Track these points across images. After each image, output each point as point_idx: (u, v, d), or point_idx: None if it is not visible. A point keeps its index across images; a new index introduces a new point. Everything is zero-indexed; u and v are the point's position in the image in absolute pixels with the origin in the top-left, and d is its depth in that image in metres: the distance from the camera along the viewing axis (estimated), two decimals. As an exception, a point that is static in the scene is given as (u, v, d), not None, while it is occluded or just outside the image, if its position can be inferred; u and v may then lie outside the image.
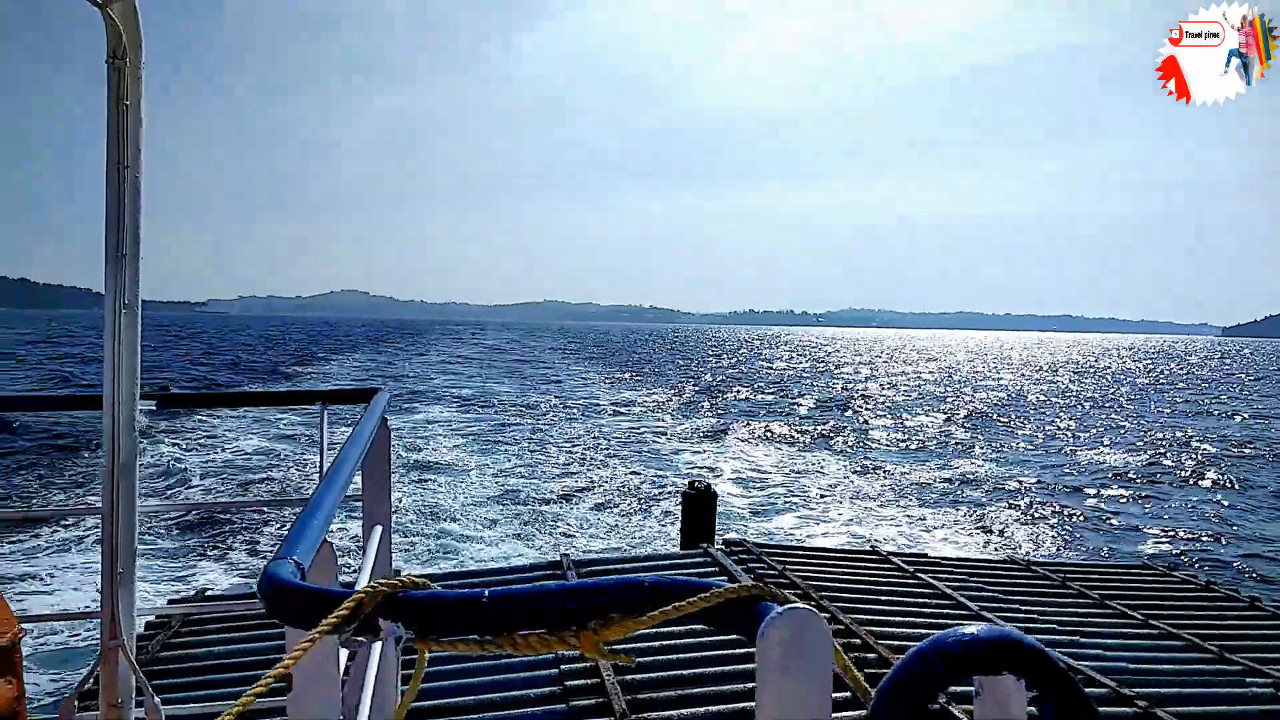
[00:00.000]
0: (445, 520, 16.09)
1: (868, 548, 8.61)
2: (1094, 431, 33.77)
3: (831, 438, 29.54)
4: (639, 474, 21.31)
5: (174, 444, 22.52)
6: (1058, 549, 15.65)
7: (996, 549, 15.25)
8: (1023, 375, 76.61)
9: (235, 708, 0.95)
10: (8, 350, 66.52)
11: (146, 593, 10.75)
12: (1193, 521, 18.03)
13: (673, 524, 15.43)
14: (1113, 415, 40.78)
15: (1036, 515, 18.12)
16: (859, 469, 23.23)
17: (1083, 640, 5.74)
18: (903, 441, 29.49)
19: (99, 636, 3.07)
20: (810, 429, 31.75)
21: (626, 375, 60.12)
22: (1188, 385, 66.40)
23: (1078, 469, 24.43)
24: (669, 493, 18.40)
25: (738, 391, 48.75)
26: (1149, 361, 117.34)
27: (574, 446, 25.51)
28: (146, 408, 3.27)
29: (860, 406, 41.53)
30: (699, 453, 25.54)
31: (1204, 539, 16.60)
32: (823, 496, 19.52)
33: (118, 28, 2.88)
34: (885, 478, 21.92)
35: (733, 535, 9.92)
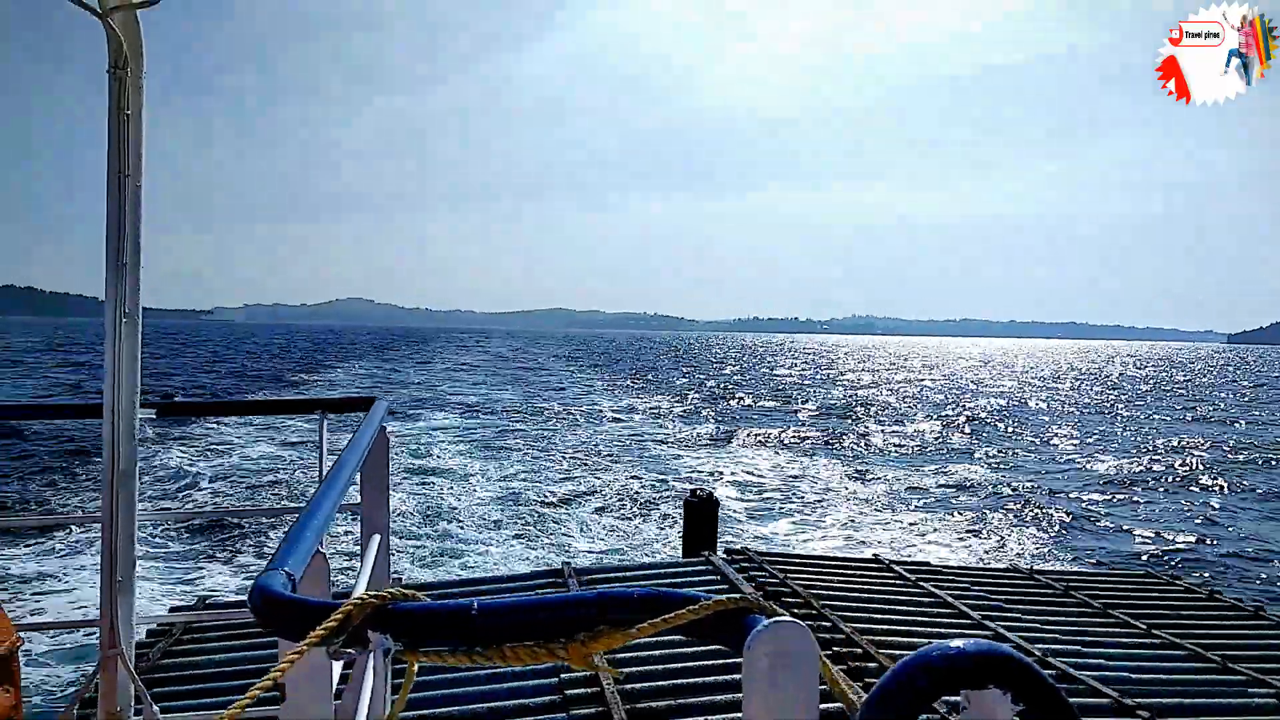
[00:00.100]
0: (449, 523, 16.17)
1: (870, 556, 8.49)
2: (1096, 438, 33.68)
3: (832, 444, 29.51)
4: (640, 479, 21.30)
5: (184, 450, 22.65)
6: (1059, 556, 15.58)
7: (998, 557, 15.19)
8: (1026, 383, 76.41)
9: (223, 716, 0.96)
10: (16, 358, 66.79)
11: (154, 595, 10.79)
12: (1196, 528, 17.94)
13: (673, 528, 15.44)
14: (1113, 423, 40.68)
15: (1038, 522, 18.05)
16: (859, 475, 23.18)
17: (1085, 650, 5.72)
18: (902, 447, 29.44)
19: (98, 644, 3.07)
20: (812, 435, 31.73)
21: (630, 382, 60.10)
22: (1187, 393, 66.16)
23: (1080, 476, 24.34)
24: (670, 498, 18.42)
25: (740, 398, 48.71)
26: (1154, 369, 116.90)
27: (576, 452, 25.53)
28: (146, 416, 3.27)
29: (861, 413, 41.48)
30: (700, 458, 25.53)
31: (1207, 546, 16.52)
32: (822, 502, 19.49)
33: (119, 37, 2.88)
34: (886, 484, 21.87)
35: (735, 544, 9.90)
